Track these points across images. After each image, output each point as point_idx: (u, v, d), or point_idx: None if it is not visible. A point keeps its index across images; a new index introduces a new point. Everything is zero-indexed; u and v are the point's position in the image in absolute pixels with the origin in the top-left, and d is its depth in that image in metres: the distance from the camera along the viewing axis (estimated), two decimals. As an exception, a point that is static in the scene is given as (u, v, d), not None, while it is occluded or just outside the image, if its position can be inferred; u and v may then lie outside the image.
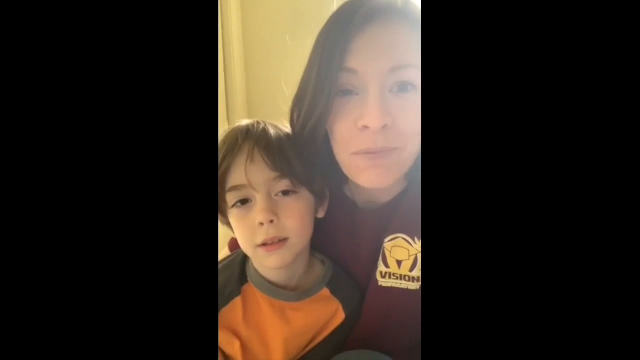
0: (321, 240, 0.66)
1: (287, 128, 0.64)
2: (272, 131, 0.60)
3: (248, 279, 0.64)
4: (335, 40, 0.53)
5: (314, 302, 0.63)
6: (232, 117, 1.62)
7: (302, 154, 0.59)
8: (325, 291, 0.64)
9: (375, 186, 0.57)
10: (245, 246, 0.60)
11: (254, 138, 0.58)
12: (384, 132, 0.53)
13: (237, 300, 0.62)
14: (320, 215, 0.65)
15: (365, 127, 0.53)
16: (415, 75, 0.53)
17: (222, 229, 0.63)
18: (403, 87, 0.54)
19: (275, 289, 0.62)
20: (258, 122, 0.62)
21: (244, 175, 0.56)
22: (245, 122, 0.63)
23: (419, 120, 0.53)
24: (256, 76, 1.71)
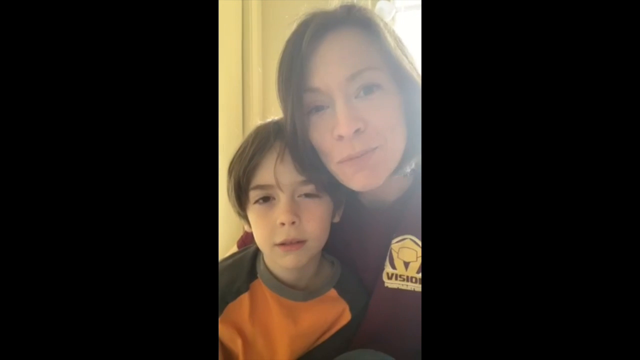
0: (330, 241, 0.66)
1: None
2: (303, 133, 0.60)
3: (258, 275, 0.65)
4: (291, 64, 0.56)
5: (321, 302, 0.63)
6: (247, 115, 1.64)
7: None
8: (333, 292, 0.64)
9: (368, 188, 0.58)
10: (262, 243, 0.61)
11: (286, 138, 0.59)
12: (358, 135, 0.54)
13: (245, 296, 0.63)
14: (336, 220, 0.65)
15: (340, 136, 0.55)
16: (375, 75, 0.55)
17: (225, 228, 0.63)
18: (368, 89, 0.55)
19: (284, 288, 0.63)
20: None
21: (273, 174, 0.57)
22: (276, 118, 0.63)
23: (393, 115, 0.56)
24: (273, 73, 1.71)
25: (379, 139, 0.55)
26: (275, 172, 0.57)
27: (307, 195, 0.59)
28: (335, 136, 0.55)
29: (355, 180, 0.57)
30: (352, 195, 0.69)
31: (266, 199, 0.59)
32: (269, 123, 0.62)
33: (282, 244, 0.58)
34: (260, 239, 0.60)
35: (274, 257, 0.61)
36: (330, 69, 0.54)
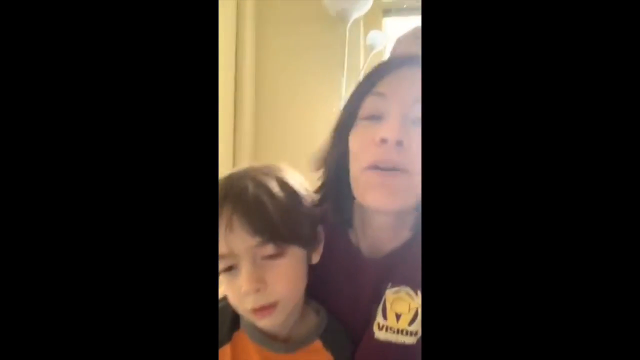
0: (321, 284, 0.64)
1: (281, 174, 0.61)
2: (252, 189, 0.56)
3: (241, 326, 0.62)
4: (369, 76, 0.62)
5: (305, 353, 0.61)
6: (237, 157, 1.63)
7: (287, 208, 0.56)
8: (318, 343, 0.61)
9: (381, 207, 0.57)
10: (236, 309, 0.59)
11: (232, 202, 0.55)
12: (398, 149, 0.55)
13: (226, 348, 0.60)
14: (315, 260, 0.62)
15: (383, 140, 0.55)
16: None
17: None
18: (419, 122, 0.57)
19: (266, 339, 0.60)
20: (240, 177, 0.58)
21: (224, 244, 0.54)
22: (226, 175, 0.59)
23: None
24: (265, 117, 1.73)
25: (410, 163, 0.56)
26: (226, 241, 0.54)
27: (270, 257, 0.56)
28: (378, 139, 0.56)
29: (373, 194, 0.57)
30: (349, 240, 0.68)
31: (230, 268, 0.56)
32: (221, 183, 0.58)
33: (253, 310, 0.55)
34: (234, 306, 0.59)
35: (251, 320, 0.59)
36: (403, 85, 0.58)
